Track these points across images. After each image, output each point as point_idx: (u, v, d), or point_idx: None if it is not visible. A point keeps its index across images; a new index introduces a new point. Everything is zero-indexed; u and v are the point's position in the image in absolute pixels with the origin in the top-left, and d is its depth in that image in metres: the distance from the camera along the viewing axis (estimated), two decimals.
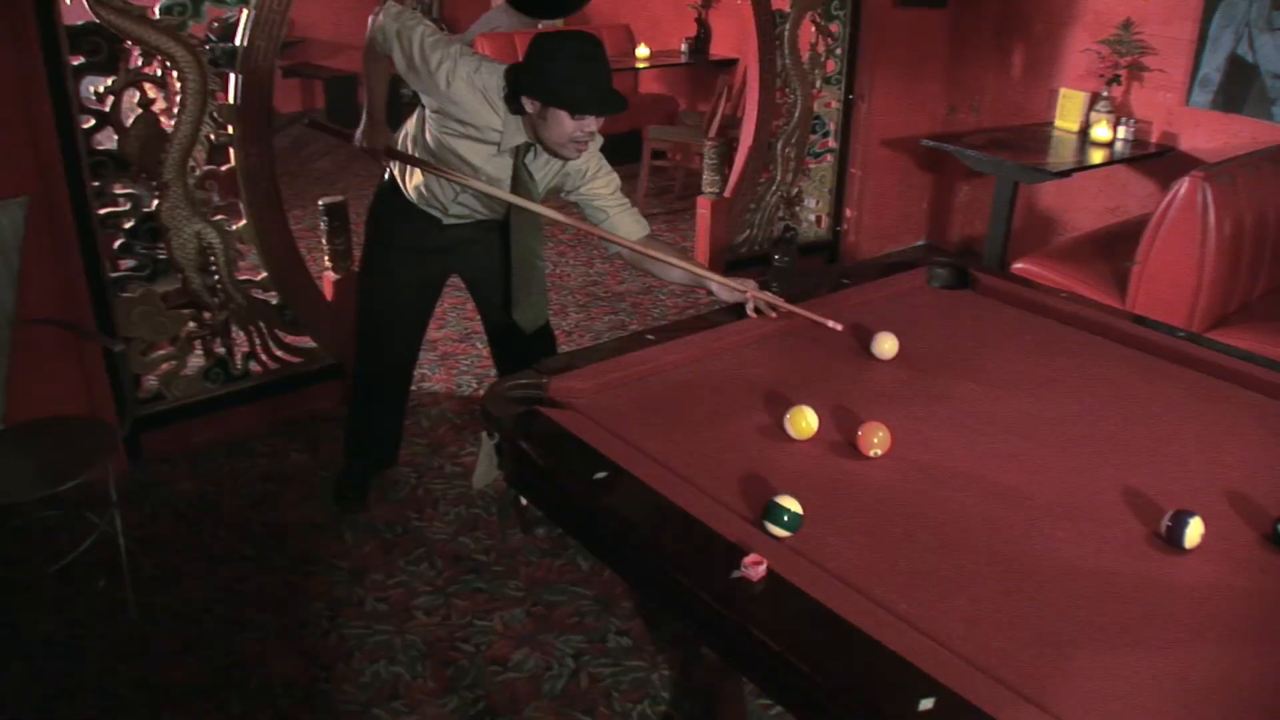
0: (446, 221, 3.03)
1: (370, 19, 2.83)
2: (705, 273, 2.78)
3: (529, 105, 2.62)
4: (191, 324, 3.72)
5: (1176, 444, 2.10)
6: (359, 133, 3.00)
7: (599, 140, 2.82)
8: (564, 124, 2.58)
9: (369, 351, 3.34)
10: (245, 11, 3.50)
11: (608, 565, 2.16)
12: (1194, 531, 1.71)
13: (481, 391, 4.12)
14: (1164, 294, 3.69)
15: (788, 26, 5.08)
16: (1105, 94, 5.05)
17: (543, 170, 2.85)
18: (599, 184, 2.89)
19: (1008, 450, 2.04)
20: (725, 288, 2.68)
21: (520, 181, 2.80)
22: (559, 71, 2.55)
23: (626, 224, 2.89)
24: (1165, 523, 1.74)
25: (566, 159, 2.74)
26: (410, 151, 2.93)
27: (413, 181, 2.99)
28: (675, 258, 2.83)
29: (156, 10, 3.35)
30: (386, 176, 3.13)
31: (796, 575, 1.57)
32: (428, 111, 2.82)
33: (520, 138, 2.73)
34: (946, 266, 2.93)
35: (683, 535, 1.67)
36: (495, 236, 3.05)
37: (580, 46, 2.59)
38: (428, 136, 2.85)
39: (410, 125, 2.98)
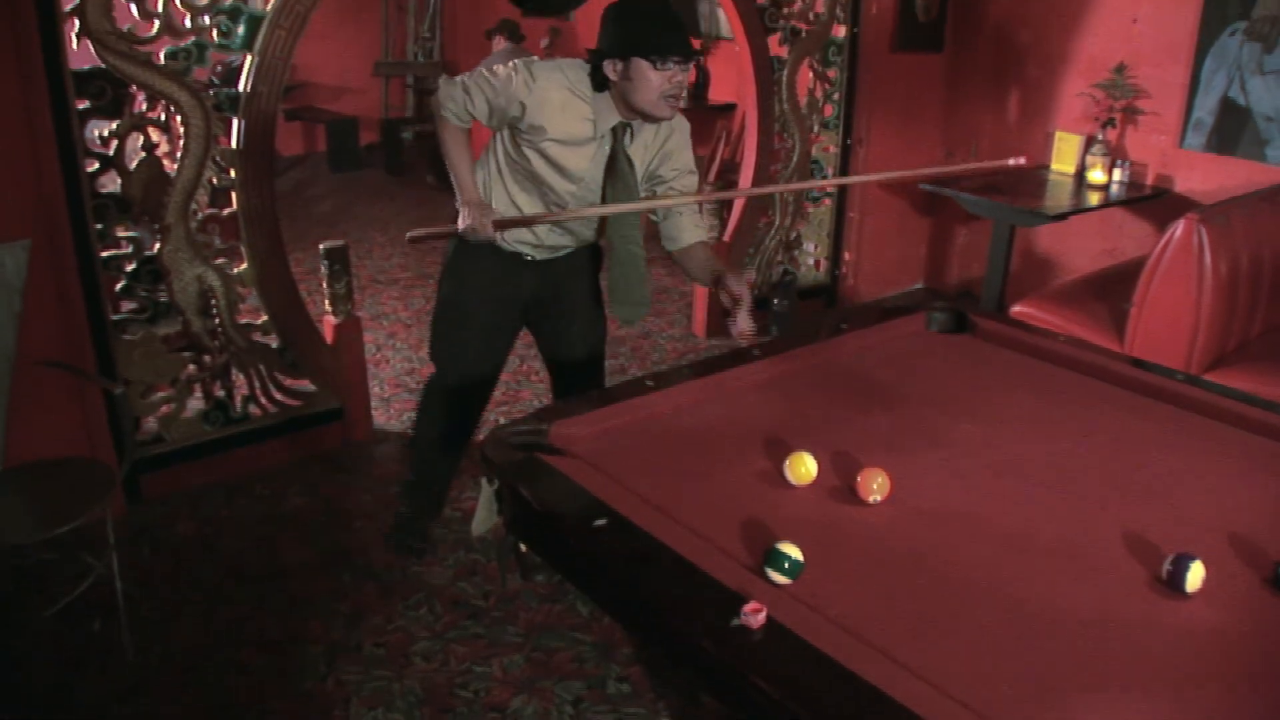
0: (537, 257, 3.00)
1: (438, 111, 2.86)
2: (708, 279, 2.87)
3: (612, 73, 2.63)
4: (192, 366, 3.72)
5: (1176, 487, 2.10)
6: (463, 223, 2.85)
7: (686, 125, 2.89)
8: (649, 79, 2.59)
9: (446, 403, 3.27)
10: (249, 57, 3.54)
11: (607, 612, 2.15)
12: (1195, 575, 1.71)
13: (480, 435, 4.13)
14: (1162, 335, 3.70)
15: (785, 72, 5.13)
16: (1100, 137, 5.10)
17: (641, 154, 2.84)
18: (688, 181, 2.93)
19: (1008, 494, 2.04)
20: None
21: (618, 167, 2.78)
22: (632, 25, 2.60)
23: (689, 226, 2.90)
24: (1166, 567, 1.74)
25: (661, 118, 2.69)
26: (490, 198, 2.91)
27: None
28: (703, 268, 2.89)
29: (161, 55, 3.39)
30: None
31: (797, 622, 1.56)
32: (520, 139, 2.77)
33: (614, 116, 2.72)
34: (945, 310, 2.94)
35: (682, 582, 1.67)
36: (578, 265, 3.06)
37: (648, 1, 2.65)
38: (520, 167, 2.83)
39: (490, 176, 2.92)
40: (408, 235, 2.99)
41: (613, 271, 2.94)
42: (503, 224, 2.86)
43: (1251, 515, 1.99)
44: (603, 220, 2.94)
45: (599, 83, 2.69)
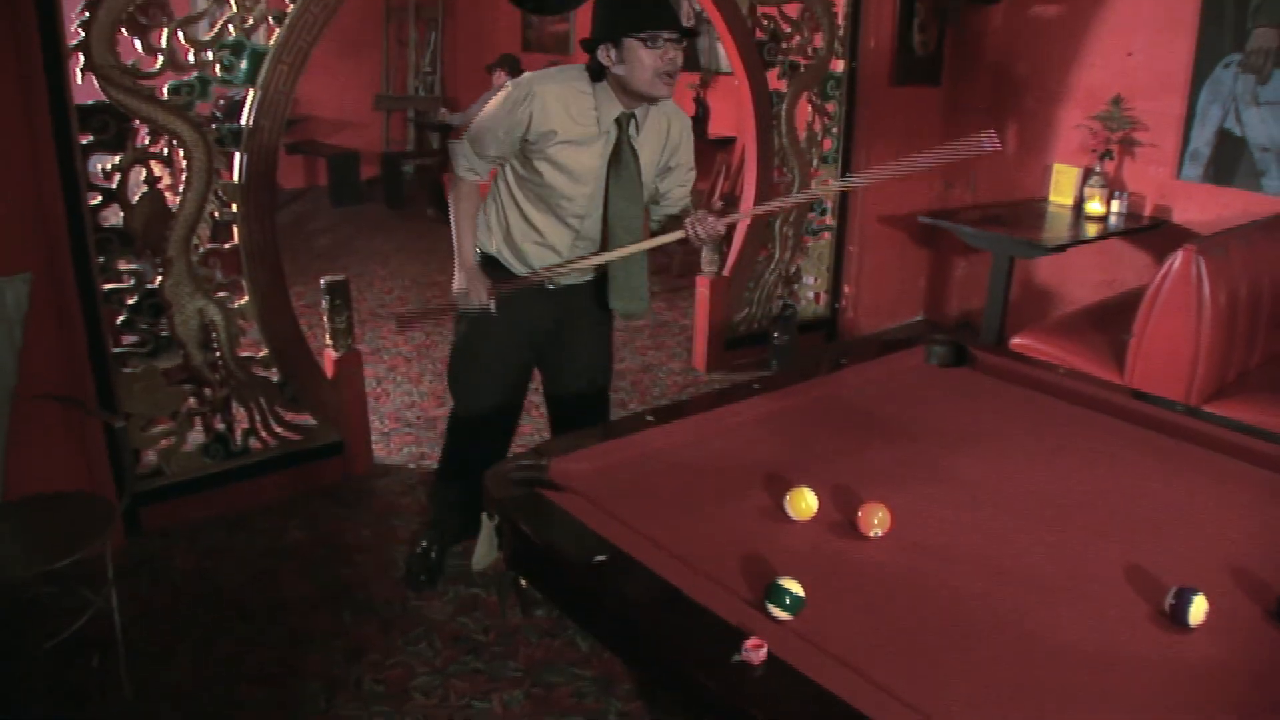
0: (559, 283, 3.00)
1: (453, 170, 2.91)
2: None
3: (606, 59, 2.67)
4: (192, 400, 3.73)
5: (1178, 519, 2.10)
6: (456, 291, 2.96)
7: (688, 120, 2.96)
8: (642, 58, 2.61)
9: (471, 439, 3.25)
10: (252, 92, 3.57)
11: (608, 648, 2.14)
12: (1198, 609, 1.70)
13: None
14: (1161, 366, 3.71)
15: (784, 106, 5.16)
16: (1098, 169, 5.12)
17: (652, 148, 2.87)
18: (688, 177, 3.03)
19: (1009, 528, 2.04)
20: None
21: (622, 158, 2.79)
22: (620, 7, 2.65)
23: (676, 210, 3.04)
24: (1169, 600, 1.74)
25: (659, 97, 2.71)
26: (507, 225, 2.94)
27: (519, 250, 2.95)
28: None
29: (165, 90, 3.42)
30: (479, 259, 3.03)
31: (798, 658, 1.56)
32: (529, 152, 2.78)
33: (616, 107, 2.74)
34: (945, 344, 2.95)
35: (683, 618, 1.66)
36: (592, 299, 3.06)
37: None
38: (531, 186, 2.84)
39: (502, 204, 2.94)
40: (395, 316, 3.02)
41: (613, 265, 2.93)
42: (501, 285, 2.91)
43: (1254, 548, 1.99)
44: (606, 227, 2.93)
45: (596, 73, 2.72)
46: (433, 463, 4.27)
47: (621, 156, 2.79)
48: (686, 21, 2.67)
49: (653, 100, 2.74)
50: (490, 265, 3.00)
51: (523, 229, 2.90)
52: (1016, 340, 4.31)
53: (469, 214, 2.93)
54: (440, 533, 3.43)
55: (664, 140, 2.89)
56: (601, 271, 3.02)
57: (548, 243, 2.92)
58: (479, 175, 2.88)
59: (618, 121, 2.76)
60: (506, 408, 3.23)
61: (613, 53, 2.65)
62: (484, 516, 2.10)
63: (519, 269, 2.97)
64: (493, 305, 2.92)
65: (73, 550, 2.66)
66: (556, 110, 2.70)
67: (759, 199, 5.24)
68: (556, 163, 2.76)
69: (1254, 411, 3.48)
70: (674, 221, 3.01)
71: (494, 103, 2.76)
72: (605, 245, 2.89)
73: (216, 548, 3.63)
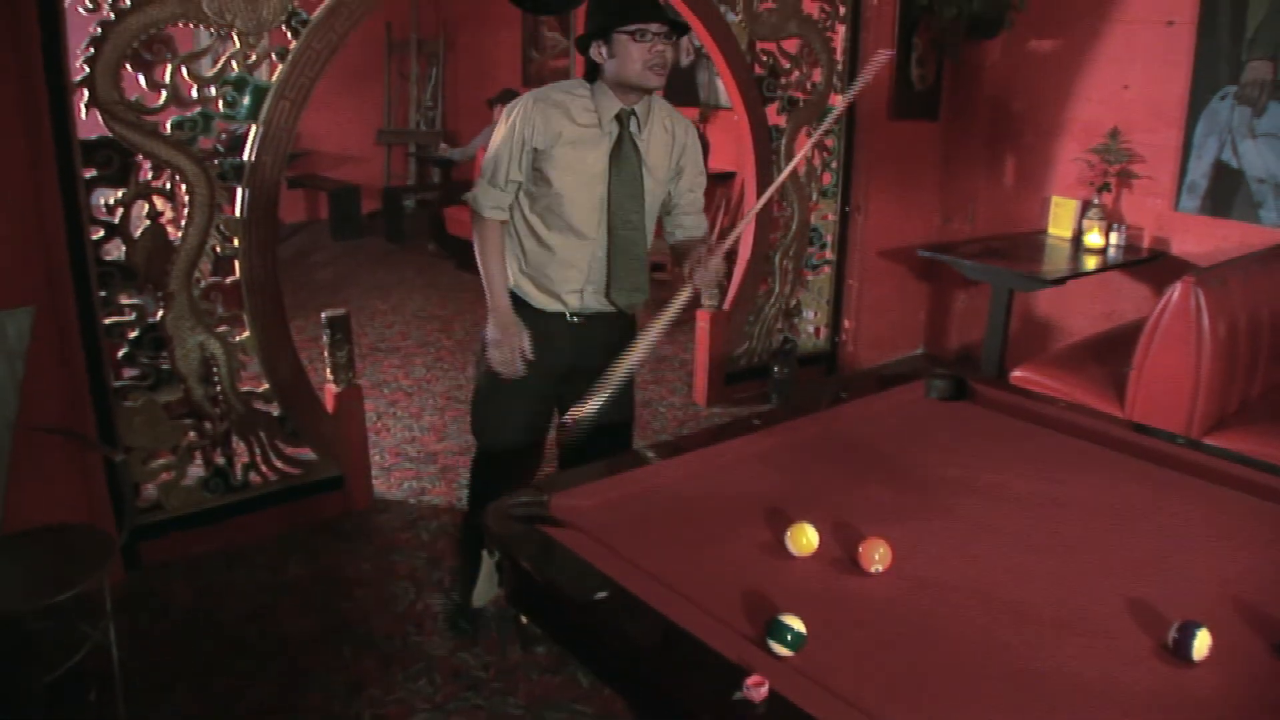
0: (581, 311, 2.96)
1: (477, 214, 2.89)
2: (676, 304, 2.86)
3: (599, 55, 2.73)
4: (192, 434, 3.73)
5: (1180, 553, 2.09)
6: (490, 339, 2.93)
7: (693, 126, 3.02)
8: (631, 52, 2.67)
9: (496, 479, 3.12)
10: (254, 127, 3.59)
11: (608, 684, 2.13)
12: (1202, 643, 1.69)
13: None
14: (1162, 398, 3.71)
15: (784, 140, 5.19)
16: (1096, 201, 5.15)
17: (661, 151, 2.90)
18: (699, 180, 3.06)
19: (1010, 563, 2.03)
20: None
21: (623, 153, 2.81)
22: (604, 3, 2.72)
23: (692, 225, 3.08)
24: (1172, 634, 1.73)
25: (650, 87, 2.75)
26: (523, 253, 2.92)
27: (540, 276, 2.93)
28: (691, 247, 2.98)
29: (168, 125, 3.44)
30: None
31: (799, 695, 1.54)
32: (539, 161, 2.80)
33: (615, 103, 2.78)
34: (944, 378, 2.95)
35: (684, 655, 1.65)
36: (616, 336, 3.00)
37: None
38: (541, 200, 2.84)
39: (518, 230, 2.93)
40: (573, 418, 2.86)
41: (611, 258, 2.92)
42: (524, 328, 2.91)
43: (1257, 580, 1.98)
44: (612, 231, 2.90)
45: (591, 72, 2.80)
46: (433, 498, 4.27)
47: (623, 151, 2.82)
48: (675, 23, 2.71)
49: (645, 90, 2.78)
50: (514, 298, 2.96)
51: (539, 253, 2.89)
52: (1016, 373, 4.31)
53: (497, 255, 2.90)
54: (470, 578, 3.31)
55: (672, 141, 2.94)
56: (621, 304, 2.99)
57: (566, 259, 2.89)
58: (502, 210, 2.86)
59: (618, 119, 2.80)
60: (532, 446, 3.17)
61: (604, 49, 2.72)
62: (484, 553, 2.09)
63: (540, 300, 2.93)
64: (527, 349, 2.90)
65: (71, 584, 2.65)
66: (557, 114, 2.76)
67: (759, 233, 5.26)
68: (563, 165, 2.78)
69: (1255, 443, 3.48)
70: (680, 254, 3.03)
71: (499, 129, 2.82)
72: (610, 244, 2.88)
73: (215, 582, 3.61)
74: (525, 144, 2.77)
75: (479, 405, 3.13)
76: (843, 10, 5.29)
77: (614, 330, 3.02)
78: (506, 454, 3.12)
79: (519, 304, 2.95)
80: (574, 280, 2.90)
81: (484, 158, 2.89)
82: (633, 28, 2.66)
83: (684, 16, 4.78)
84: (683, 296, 2.82)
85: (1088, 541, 2.13)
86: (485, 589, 2.13)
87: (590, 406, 2.78)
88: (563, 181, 2.79)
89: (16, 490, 3.00)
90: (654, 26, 2.67)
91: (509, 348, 2.88)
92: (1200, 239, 4.91)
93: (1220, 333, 3.62)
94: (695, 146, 3.04)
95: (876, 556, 1.95)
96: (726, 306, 5.36)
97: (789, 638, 1.67)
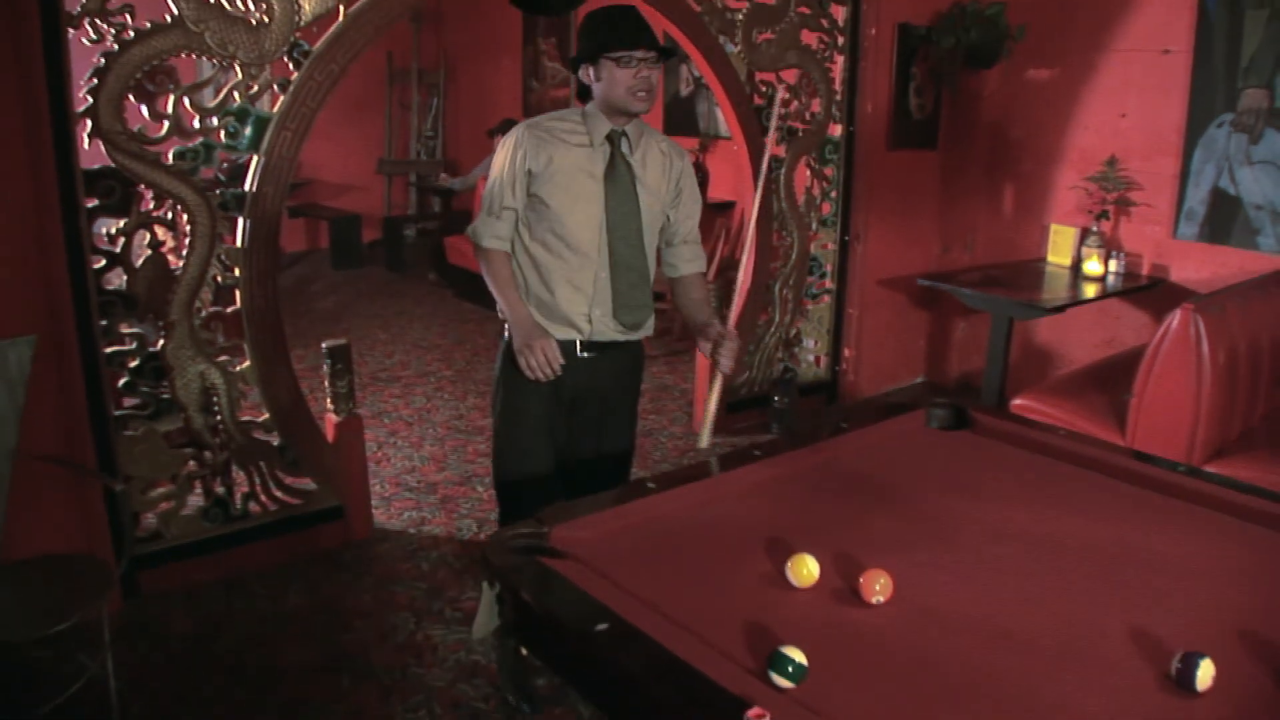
0: (592, 336, 2.93)
1: (478, 246, 2.92)
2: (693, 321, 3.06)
3: (587, 77, 2.80)
4: (192, 463, 3.72)
5: (1183, 582, 2.08)
6: (517, 347, 2.84)
7: (685, 153, 3.06)
8: (616, 76, 2.72)
9: (528, 507, 2.91)
10: (256, 158, 3.61)
11: (609, 716, 2.11)
12: (1205, 673, 1.68)
13: (482, 535, 4.12)
14: (1163, 425, 3.71)
15: (783, 170, 5.21)
16: (1095, 229, 5.16)
17: (657, 177, 2.93)
18: (695, 209, 3.10)
19: (1012, 593, 2.02)
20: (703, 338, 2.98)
21: (617, 171, 2.84)
22: (598, 29, 2.76)
23: (690, 256, 3.14)
24: (1175, 665, 1.72)
25: (635, 111, 2.78)
26: (526, 285, 2.92)
27: (548, 302, 2.90)
28: (689, 302, 3.13)
29: (170, 156, 3.46)
30: (505, 333, 2.96)
31: None
32: (535, 185, 2.82)
33: (605, 124, 2.83)
34: (944, 407, 2.95)
35: (684, 687, 1.64)
36: (625, 365, 3.06)
37: (608, 7, 2.80)
38: (540, 224, 2.84)
39: (519, 261, 2.93)
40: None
41: (615, 278, 2.90)
42: (549, 334, 2.88)
43: (1261, 610, 1.97)
44: (613, 252, 2.89)
45: (582, 92, 2.86)
46: (434, 528, 4.26)
47: (616, 168, 2.85)
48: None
49: (632, 113, 2.81)
50: None
51: (544, 281, 2.88)
52: (1017, 401, 4.31)
53: (504, 274, 2.91)
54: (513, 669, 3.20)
55: (668, 163, 2.97)
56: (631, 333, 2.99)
57: (570, 281, 2.87)
58: (502, 240, 2.88)
59: (609, 139, 2.84)
60: (555, 472, 3.08)
61: (592, 71, 2.78)
62: (484, 584, 2.09)
63: (550, 329, 2.90)
64: (557, 353, 2.82)
65: (69, 614, 2.65)
66: (549, 139, 2.81)
67: (758, 263, 5.27)
68: (559, 186, 2.81)
69: (1257, 470, 3.48)
70: (682, 300, 3.17)
71: (496, 158, 2.87)
72: (612, 262, 2.88)
73: (214, 612, 3.60)
74: (520, 169, 2.81)
75: (505, 436, 3.05)
76: (841, 41, 5.32)
77: (622, 359, 3.03)
78: (536, 481, 3.04)
79: None
80: (581, 302, 2.89)
81: (485, 187, 2.92)
82: (618, 54, 2.71)
83: (683, 47, 4.82)
84: (715, 392, 2.90)
85: (1089, 571, 2.12)
86: (485, 621, 2.12)
87: (705, 434, 2.86)
88: (560, 202, 2.81)
89: (15, 519, 2.99)
90: (639, 53, 2.71)
91: (540, 349, 2.80)
92: (1199, 266, 4.92)
93: (1220, 360, 3.62)
94: (690, 172, 3.07)
95: (878, 587, 1.95)
96: None
97: (790, 669, 1.66)
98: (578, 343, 2.92)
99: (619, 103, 2.76)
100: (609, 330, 2.94)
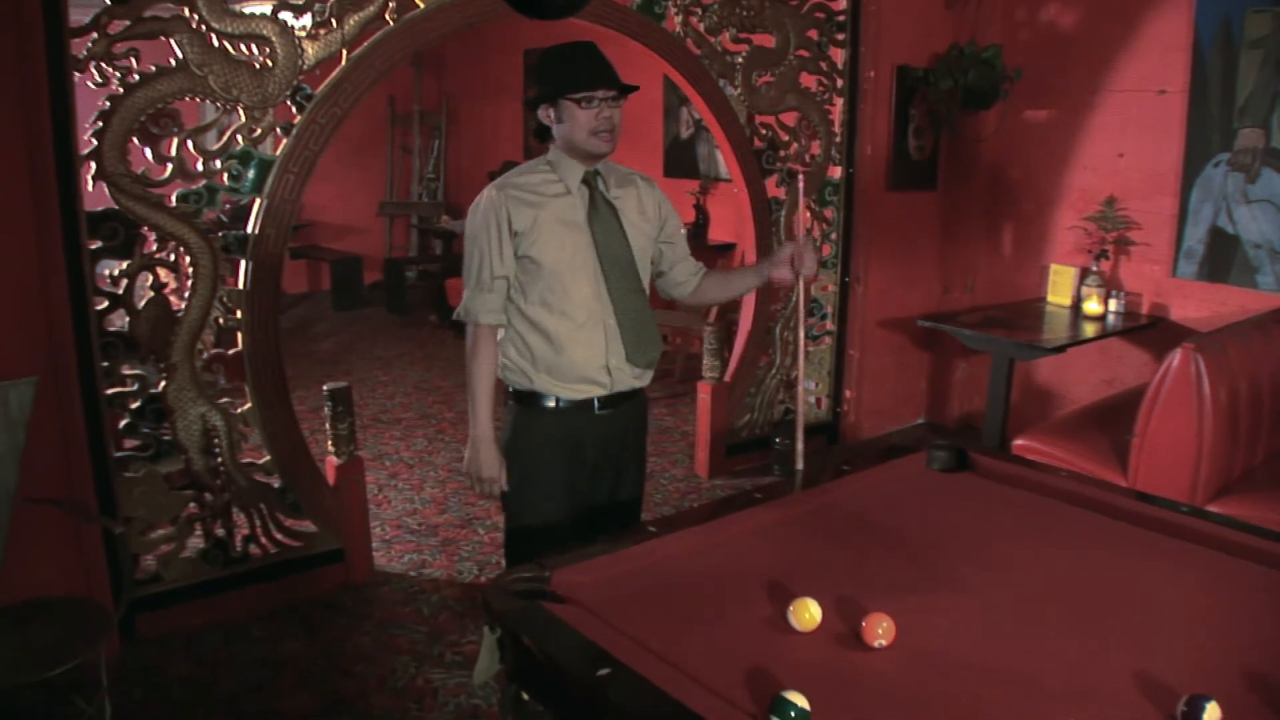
0: (600, 409, 2.80)
1: (471, 324, 2.76)
2: (751, 276, 3.10)
3: (547, 118, 2.69)
4: (192, 505, 3.72)
5: (1187, 623, 2.07)
6: (467, 467, 2.80)
7: (656, 184, 2.97)
8: (577, 117, 2.62)
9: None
10: (258, 201, 3.63)
11: None
12: (1211, 716, 1.66)
13: (484, 578, 4.09)
14: (1165, 465, 3.70)
15: (784, 212, 5.24)
16: (1094, 268, 5.18)
17: (630, 206, 2.82)
18: (682, 234, 3.01)
19: (1014, 637, 2.01)
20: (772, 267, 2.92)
21: (599, 212, 2.73)
22: (555, 69, 2.65)
23: (689, 269, 3.04)
24: (1181, 708, 1.70)
25: (597, 153, 2.68)
26: (532, 353, 2.75)
27: (560, 364, 2.74)
28: (727, 282, 3.10)
29: (173, 198, 3.48)
30: (511, 400, 2.86)
31: None
32: (522, 245, 2.69)
33: (578, 167, 2.72)
34: (946, 449, 2.94)
35: None
36: (638, 415, 2.94)
37: (565, 45, 2.68)
38: (531, 281, 2.71)
39: (513, 322, 2.78)
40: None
41: (621, 323, 2.76)
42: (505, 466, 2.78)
43: (1266, 651, 1.95)
44: (612, 289, 2.78)
45: (541, 133, 2.74)
46: (434, 571, 4.24)
47: (599, 212, 2.74)
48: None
49: (595, 156, 2.71)
50: (532, 401, 2.79)
51: (552, 346, 2.72)
52: (1019, 442, 4.30)
53: (487, 372, 2.76)
54: None
55: (640, 195, 2.86)
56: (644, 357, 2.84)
57: (582, 339, 2.73)
58: (498, 313, 2.74)
59: (586, 182, 2.74)
60: (572, 530, 2.91)
61: (552, 112, 2.68)
62: (485, 629, 2.07)
63: (570, 391, 2.75)
64: (504, 482, 2.78)
65: (67, 658, 2.63)
66: (527, 196, 2.69)
67: (759, 304, 5.28)
68: (548, 243, 2.68)
69: (1260, 509, 3.47)
70: (725, 284, 3.13)
71: (469, 233, 2.72)
72: (615, 309, 2.75)
73: (213, 656, 3.58)
74: (504, 232, 2.68)
75: (521, 502, 2.87)
76: (840, 84, 5.37)
77: (636, 409, 2.92)
78: (555, 541, 2.78)
79: (541, 405, 2.78)
80: (596, 357, 2.74)
81: (465, 266, 2.76)
82: (579, 95, 2.61)
83: (683, 89, 4.86)
84: (799, 291, 2.97)
85: (1093, 613, 2.11)
86: (486, 665, 2.10)
87: (798, 460, 2.86)
88: (553, 259, 2.68)
89: (15, 560, 2.98)
90: (600, 92, 2.62)
91: (489, 484, 2.76)
92: (1199, 304, 4.94)
93: (1222, 399, 3.62)
94: (663, 197, 2.96)
95: (880, 631, 1.93)
96: (728, 378, 5.36)
97: (792, 714, 1.64)
98: (595, 401, 2.78)
99: (580, 145, 2.66)
100: (628, 378, 2.80)
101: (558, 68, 2.65)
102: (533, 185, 2.71)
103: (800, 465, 2.86)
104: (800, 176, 3.09)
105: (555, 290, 2.70)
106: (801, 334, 3.02)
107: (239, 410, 3.74)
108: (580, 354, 2.73)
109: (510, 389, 2.84)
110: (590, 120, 2.63)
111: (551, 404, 2.77)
